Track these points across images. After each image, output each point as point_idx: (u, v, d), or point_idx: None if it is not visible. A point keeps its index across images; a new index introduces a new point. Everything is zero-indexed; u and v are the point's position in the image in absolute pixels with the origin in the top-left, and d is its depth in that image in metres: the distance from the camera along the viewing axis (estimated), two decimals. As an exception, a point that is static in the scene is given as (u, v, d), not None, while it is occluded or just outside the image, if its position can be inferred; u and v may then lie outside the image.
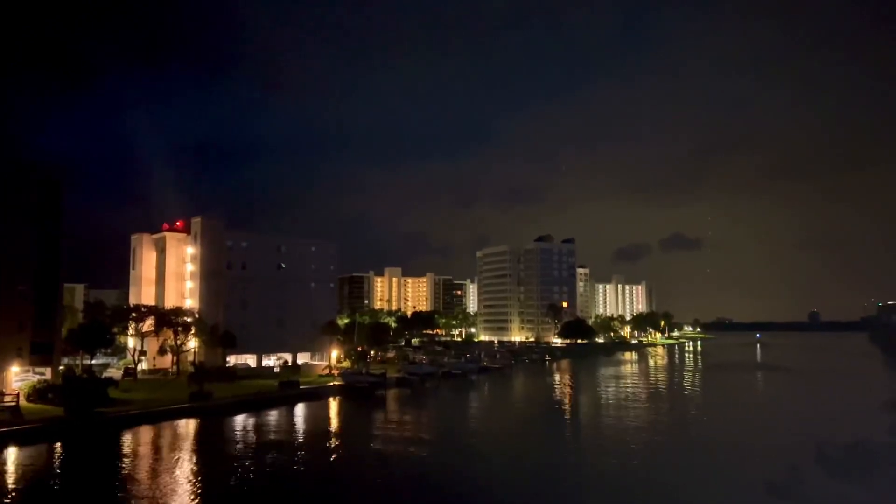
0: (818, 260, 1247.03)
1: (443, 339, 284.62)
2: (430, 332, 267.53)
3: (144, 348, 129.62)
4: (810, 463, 25.68)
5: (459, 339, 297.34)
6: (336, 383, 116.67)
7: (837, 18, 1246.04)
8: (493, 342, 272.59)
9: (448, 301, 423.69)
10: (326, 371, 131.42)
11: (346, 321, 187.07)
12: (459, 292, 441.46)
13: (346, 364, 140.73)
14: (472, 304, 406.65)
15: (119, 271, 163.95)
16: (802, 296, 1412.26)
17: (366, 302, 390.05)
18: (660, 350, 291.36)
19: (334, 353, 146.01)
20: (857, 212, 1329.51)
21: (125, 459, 62.53)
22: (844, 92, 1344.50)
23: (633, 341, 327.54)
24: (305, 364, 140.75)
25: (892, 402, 26.63)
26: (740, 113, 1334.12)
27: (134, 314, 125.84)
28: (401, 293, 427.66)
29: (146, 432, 76.04)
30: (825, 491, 23.97)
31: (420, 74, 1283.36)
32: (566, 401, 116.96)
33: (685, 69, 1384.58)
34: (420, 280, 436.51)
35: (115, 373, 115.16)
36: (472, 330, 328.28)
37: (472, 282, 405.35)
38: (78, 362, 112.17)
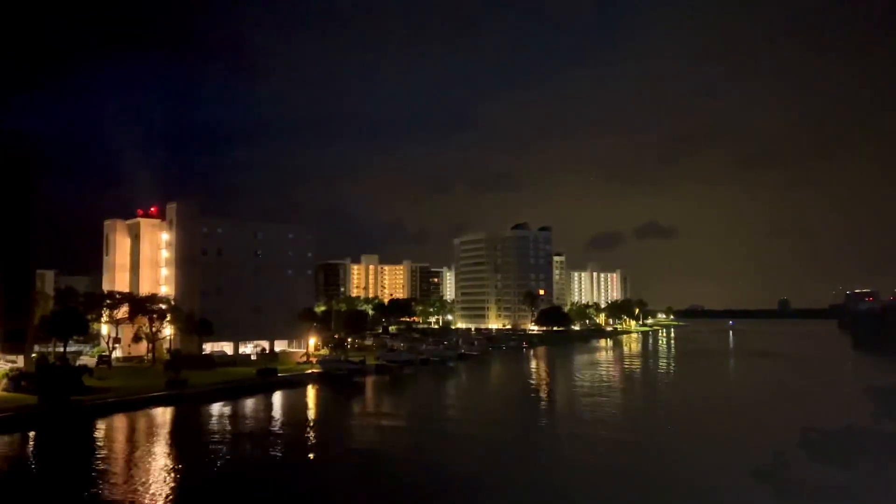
0: (788, 248, 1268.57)
1: (420, 326, 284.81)
2: (408, 319, 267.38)
3: (119, 336, 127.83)
4: (794, 448, 25.99)
5: (436, 327, 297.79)
6: (314, 371, 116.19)
7: (807, 9, 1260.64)
8: (470, 329, 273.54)
9: (425, 288, 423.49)
10: (304, 358, 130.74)
11: (322, 309, 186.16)
12: (436, 280, 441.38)
13: (325, 352, 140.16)
14: (449, 292, 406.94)
15: (90, 257, 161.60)
16: (773, 284, 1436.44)
17: (342, 289, 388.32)
18: (634, 337, 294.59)
19: (312, 341, 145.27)
20: (826, 201, 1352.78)
21: (100, 448, 61.75)
22: (814, 81, 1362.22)
23: (609, 328, 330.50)
24: (283, 352, 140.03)
25: (872, 388, 27.17)
26: (714, 102, 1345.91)
27: (108, 301, 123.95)
28: (378, 281, 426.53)
29: (121, 420, 75.11)
30: (810, 475, 24.34)
31: (398, 61, 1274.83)
32: (544, 387, 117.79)
33: (660, 59, 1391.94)
34: (397, 267, 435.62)
35: (88, 360, 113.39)
36: (450, 317, 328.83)
37: (450, 269, 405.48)
38: (51, 350, 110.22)
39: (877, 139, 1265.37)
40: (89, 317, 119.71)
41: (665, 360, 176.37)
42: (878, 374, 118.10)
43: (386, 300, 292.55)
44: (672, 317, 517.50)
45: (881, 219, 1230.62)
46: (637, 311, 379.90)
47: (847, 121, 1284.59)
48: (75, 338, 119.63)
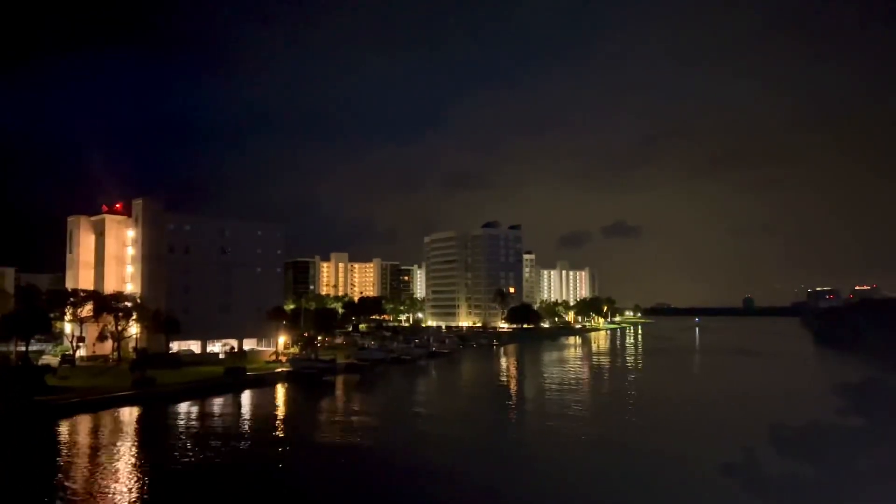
0: (752, 248, 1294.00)
1: (390, 324, 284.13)
2: (378, 317, 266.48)
3: (83, 334, 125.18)
4: (763, 443, 26.44)
5: (407, 325, 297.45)
6: (284, 369, 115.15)
7: (781, 9, 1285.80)
8: (440, 327, 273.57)
9: (395, 286, 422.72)
10: (274, 357, 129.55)
11: (292, 307, 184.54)
12: (407, 278, 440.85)
13: (294, 350, 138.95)
14: (419, 290, 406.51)
15: (52, 254, 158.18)
16: (737, 282, 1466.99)
17: (311, 287, 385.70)
18: (603, 335, 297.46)
19: (281, 340, 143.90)
20: (788, 202, 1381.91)
21: (64, 449, 60.44)
22: (781, 84, 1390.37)
23: (577, 326, 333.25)
24: (252, 350, 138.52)
25: (836, 384, 27.80)
26: (682, 105, 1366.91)
27: (72, 299, 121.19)
28: (347, 278, 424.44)
29: (86, 421, 73.61)
30: (779, 469, 24.75)
31: (369, 60, 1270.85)
32: (514, 384, 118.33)
33: (630, 59, 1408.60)
34: (367, 265, 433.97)
35: (51, 360, 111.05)
36: (420, 315, 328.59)
37: (420, 267, 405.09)
38: (12, 349, 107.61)
39: (836, 144, 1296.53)
40: (52, 315, 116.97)
41: (633, 357, 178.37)
42: (841, 369, 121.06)
43: (356, 298, 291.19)
44: (639, 314, 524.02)
45: (841, 220, 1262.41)
46: (605, 308, 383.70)
47: (809, 125, 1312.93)
48: (38, 337, 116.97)
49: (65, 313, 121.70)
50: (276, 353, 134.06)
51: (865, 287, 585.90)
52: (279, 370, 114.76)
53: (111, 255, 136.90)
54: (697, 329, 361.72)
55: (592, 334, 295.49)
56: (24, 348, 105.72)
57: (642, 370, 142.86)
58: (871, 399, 26.16)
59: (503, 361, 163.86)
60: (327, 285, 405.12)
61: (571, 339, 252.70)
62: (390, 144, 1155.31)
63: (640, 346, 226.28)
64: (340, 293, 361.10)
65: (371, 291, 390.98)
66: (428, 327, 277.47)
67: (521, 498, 45.61)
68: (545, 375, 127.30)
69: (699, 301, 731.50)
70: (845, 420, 26.51)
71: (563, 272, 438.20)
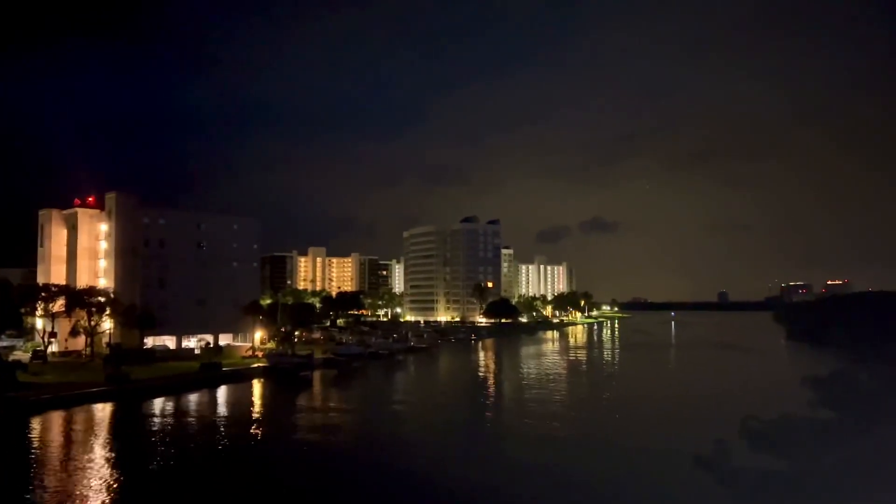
0: (726, 243, 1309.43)
1: (369, 319, 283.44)
2: (356, 312, 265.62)
3: (55, 330, 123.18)
4: (735, 436, 26.79)
5: (385, 320, 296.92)
6: (260, 365, 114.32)
7: (765, 3, 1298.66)
8: (419, 322, 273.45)
9: (374, 281, 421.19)
10: (250, 353, 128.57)
11: (268, 302, 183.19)
12: (385, 272, 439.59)
13: (271, 346, 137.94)
14: (398, 285, 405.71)
15: (22, 249, 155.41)
16: (712, 277, 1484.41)
17: (289, 282, 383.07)
18: (581, 329, 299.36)
19: (258, 335, 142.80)
20: (763, 198, 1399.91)
21: (35, 446, 59.40)
22: (763, 80, 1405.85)
23: (555, 321, 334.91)
24: (228, 346, 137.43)
25: (806, 378, 28.23)
26: (661, 99, 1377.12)
27: (43, 293, 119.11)
28: (325, 273, 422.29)
29: (58, 417, 72.53)
30: (751, 463, 25.10)
31: (349, 56, 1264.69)
32: (492, 379, 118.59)
33: (609, 55, 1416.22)
34: (345, 260, 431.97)
35: (22, 356, 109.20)
36: (399, 310, 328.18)
37: (399, 262, 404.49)
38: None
39: (814, 139, 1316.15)
40: (23, 310, 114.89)
41: (608, 351, 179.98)
42: (811, 363, 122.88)
43: (334, 293, 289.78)
44: (616, 308, 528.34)
45: (816, 215, 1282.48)
46: (583, 303, 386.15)
47: (788, 121, 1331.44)
48: (8, 332, 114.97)
49: (36, 308, 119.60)
50: (253, 348, 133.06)
51: (837, 282, 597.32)
52: (255, 365, 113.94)
53: (84, 249, 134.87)
54: (673, 323, 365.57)
55: (570, 329, 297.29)
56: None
57: (619, 364, 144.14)
58: (840, 393, 26.62)
59: (481, 356, 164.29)
60: (305, 280, 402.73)
61: (549, 334, 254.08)
62: (370, 140, 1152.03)
63: (616, 341, 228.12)
64: (318, 288, 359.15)
65: (349, 286, 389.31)
66: (406, 322, 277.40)
67: (499, 488, 45.72)
68: (523, 370, 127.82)
69: (675, 296, 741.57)
70: (815, 413, 26.97)
71: (541, 267, 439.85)
